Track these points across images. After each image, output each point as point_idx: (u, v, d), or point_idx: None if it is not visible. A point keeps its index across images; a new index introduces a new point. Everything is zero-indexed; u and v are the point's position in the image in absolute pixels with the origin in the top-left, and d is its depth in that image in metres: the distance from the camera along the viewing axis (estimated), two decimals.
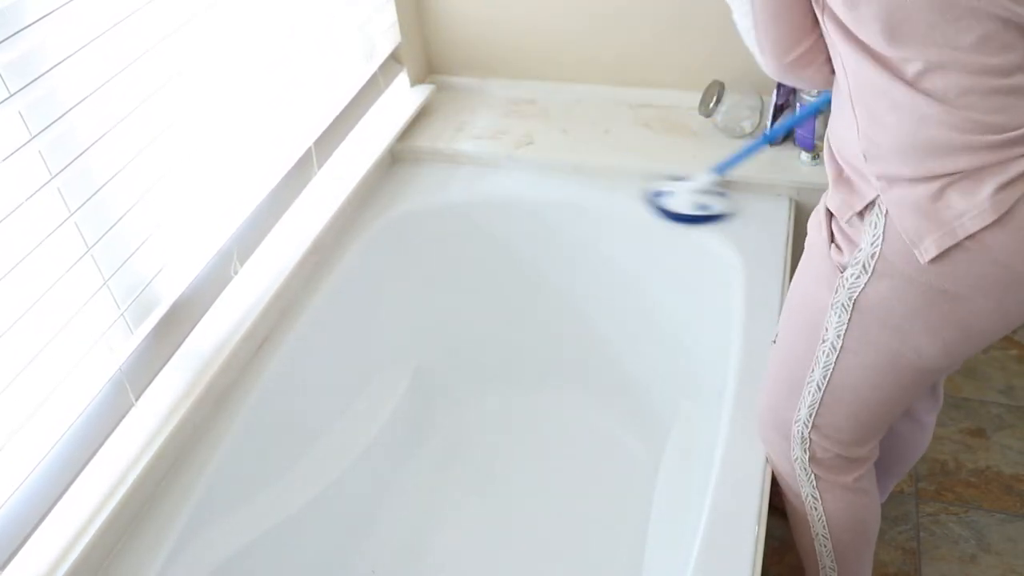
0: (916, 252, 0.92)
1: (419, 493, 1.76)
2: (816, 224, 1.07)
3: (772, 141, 1.63)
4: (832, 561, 1.29)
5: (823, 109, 1.50)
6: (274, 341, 1.44)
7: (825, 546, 1.27)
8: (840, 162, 1.01)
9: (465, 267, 1.81)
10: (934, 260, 0.92)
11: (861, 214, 0.97)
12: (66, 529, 1.09)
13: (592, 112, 1.86)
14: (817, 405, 1.12)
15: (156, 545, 1.16)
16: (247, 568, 1.32)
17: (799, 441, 1.17)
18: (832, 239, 1.03)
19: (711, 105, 1.67)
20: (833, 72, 0.99)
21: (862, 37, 0.89)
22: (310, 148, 1.57)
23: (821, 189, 1.12)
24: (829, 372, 1.08)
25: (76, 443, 1.13)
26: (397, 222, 1.71)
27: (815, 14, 0.95)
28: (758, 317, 1.40)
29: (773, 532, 1.24)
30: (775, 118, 1.63)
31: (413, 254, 1.76)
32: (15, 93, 0.97)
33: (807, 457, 1.18)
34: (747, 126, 1.70)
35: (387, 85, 1.84)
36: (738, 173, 1.60)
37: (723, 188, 1.61)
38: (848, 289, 1.00)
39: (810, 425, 1.15)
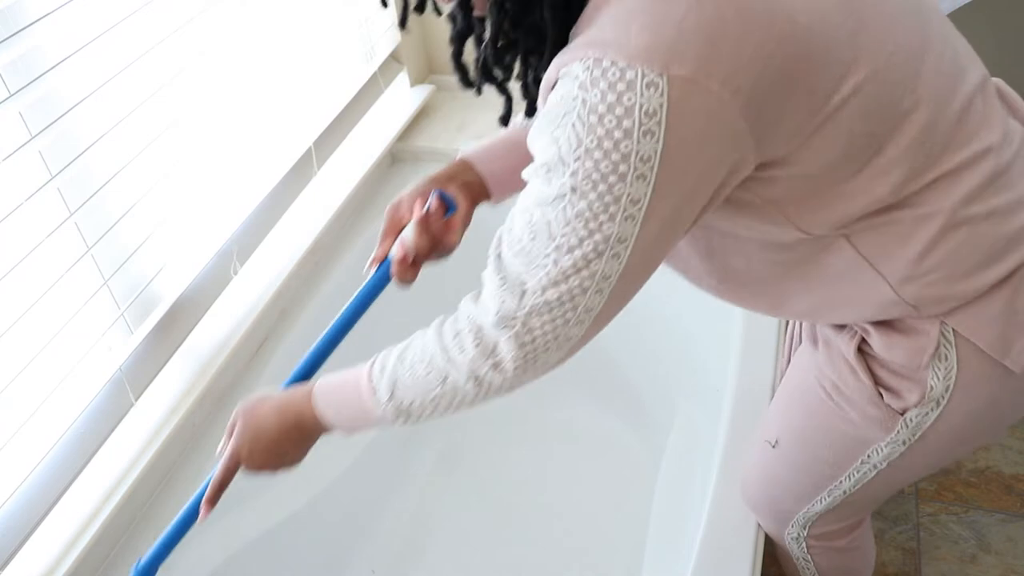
0: (1007, 363, 0.81)
1: (419, 493, 1.76)
2: (847, 370, 0.90)
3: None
4: None
5: None
6: (274, 341, 1.44)
7: None
8: (867, 326, 0.87)
9: (464, 267, 1.81)
10: None
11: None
12: (66, 529, 1.09)
13: None
14: (837, 504, 1.01)
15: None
16: (247, 568, 1.32)
17: (801, 524, 1.08)
18: (877, 382, 0.88)
19: None
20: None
21: (873, 193, 0.75)
22: (310, 148, 1.57)
23: None
24: (862, 483, 0.96)
25: (76, 443, 1.13)
26: None
27: None
28: (758, 317, 1.39)
29: None
30: None
31: None
32: (15, 93, 0.98)
33: (805, 534, 1.10)
34: None
35: (387, 85, 1.84)
36: None
37: None
38: (912, 428, 0.88)
39: (821, 515, 1.05)
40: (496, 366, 0.76)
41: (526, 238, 0.72)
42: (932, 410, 0.86)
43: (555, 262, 0.70)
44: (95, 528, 1.09)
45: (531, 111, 0.79)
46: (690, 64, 0.63)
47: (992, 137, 0.78)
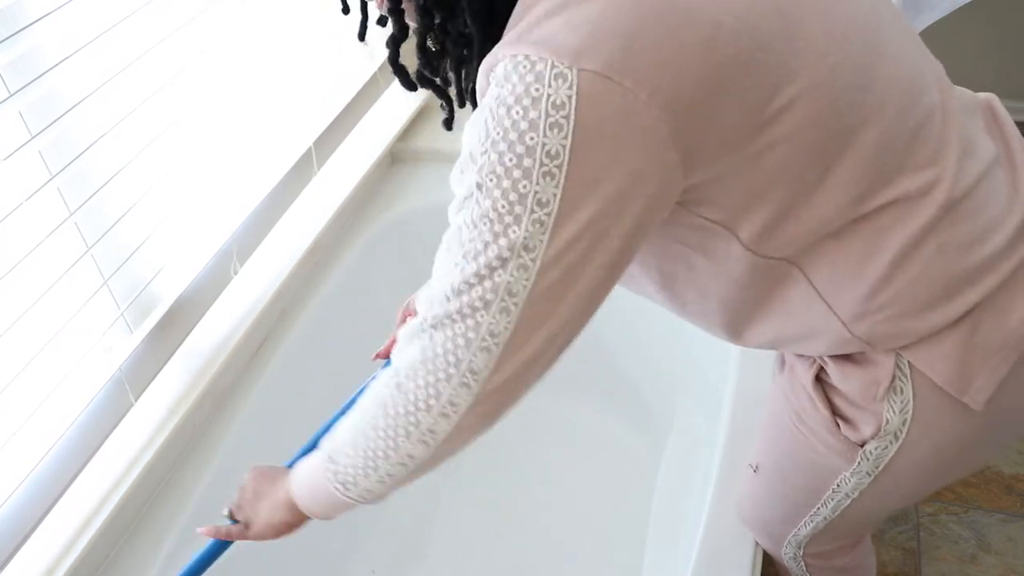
0: (966, 400, 0.78)
1: (419, 493, 1.76)
2: (807, 400, 0.87)
3: None
4: None
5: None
6: (274, 341, 1.44)
7: None
8: (825, 358, 0.84)
9: None
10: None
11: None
12: (66, 529, 1.09)
13: None
14: (822, 528, 0.99)
15: (156, 545, 1.16)
16: (247, 568, 1.32)
17: (794, 545, 1.06)
18: (835, 412, 0.86)
19: None
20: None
21: (822, 213, 0.72)
22: (310, 148, 1.57)
23: None
24: (840, 510, 0.94)
25: (76, 443, 1.13)
26: (397, 222, 1.71)
27: None
28: None
29: None
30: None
31: (413, 254, 1.75)
32: (15, 93, 0.97)
33: (801, 553, 1.08)
34: None
35: (387, 85, 1.84)
36: None
37: None
38: (874, 461, 0.85)
39: (811, 537, 1.03)
40: (409, 385, 0.72)
41: (442, 248, 0.70)
42: (891, 443, 0.83)
43: (461, 270, 0.66)
44: (95, 528, 1.09)
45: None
46: (602, 59, 0.60)
47: (949, 160, 0.74)
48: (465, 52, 0.74)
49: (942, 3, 1.53)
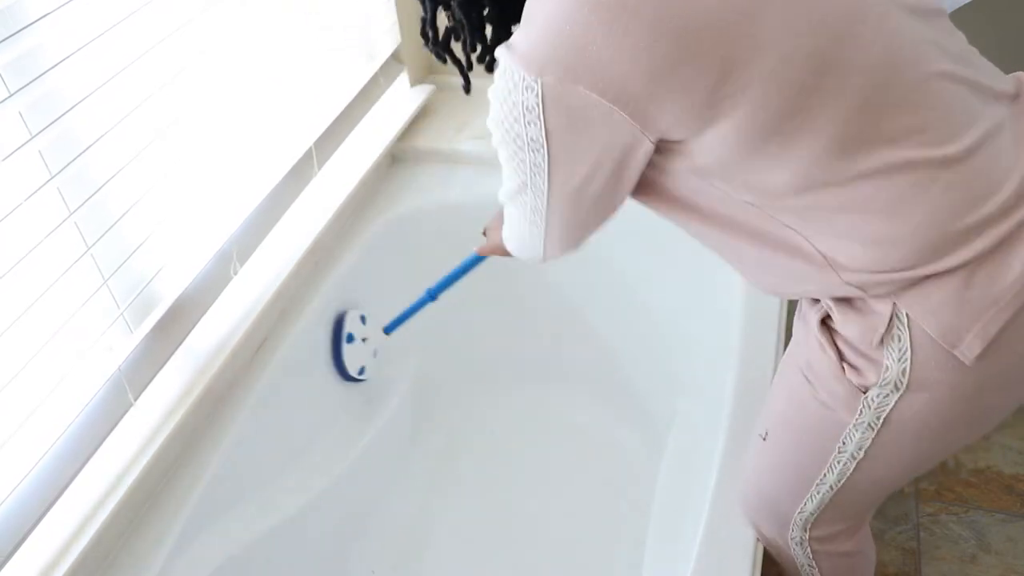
0: (957, 354, 0.81)
1: (419, 493, 1.76)
2: (816, 345, 0.92)
3: (435, 297, 1.54)
4: None
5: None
6: (274, 341, 1.44)
7: None
8: (829, 302, 0.90)
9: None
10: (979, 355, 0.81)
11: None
12: (65, 529, 1.09)
13: None
14: (828, 500, 1.02)
15: (156, 545, 1.16)
16: (247, 568, 1.32)
17: (800, 525, 1.08)
18: (842, 357, 0.90)
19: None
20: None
21: (802, 169, 0.79)
22: (310, 148, 1.57)
23: None
24: (846, 476, 0.97)
25: (74, 443, 1.13)
26: (397, 222, 1.71)
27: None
28: (758, 317, 1.40)
29: None
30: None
31: (413, 254, 1.76)
32: (15, 93, 0.98)
33: (807, 536, 1.10)
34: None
35: (388, 85, 1.84)
36: None
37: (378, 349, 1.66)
38: (875, 410, 0.89)
39: (816, 514, 1.06)
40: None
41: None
42: (891, 392, 0.87)
43: (505, 189, 0.92)
44: (94, 528, 1.09)
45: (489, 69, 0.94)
46: (559, 70, 0.75)
47: (943, 127, 0.78)
48: (484, 30, 0.93)
49: (942, 3, 1.53)
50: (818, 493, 1.02)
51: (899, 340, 0.84)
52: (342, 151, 1.69)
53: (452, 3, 0.91)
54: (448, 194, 1.74)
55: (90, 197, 1.10)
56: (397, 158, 1.84)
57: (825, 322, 0.91)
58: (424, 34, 0.98)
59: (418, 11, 0.96)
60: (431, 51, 0.99)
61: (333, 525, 1.56)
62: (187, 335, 1.31)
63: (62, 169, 1.05)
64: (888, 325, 0.84)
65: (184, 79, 1.23)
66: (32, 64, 1.00)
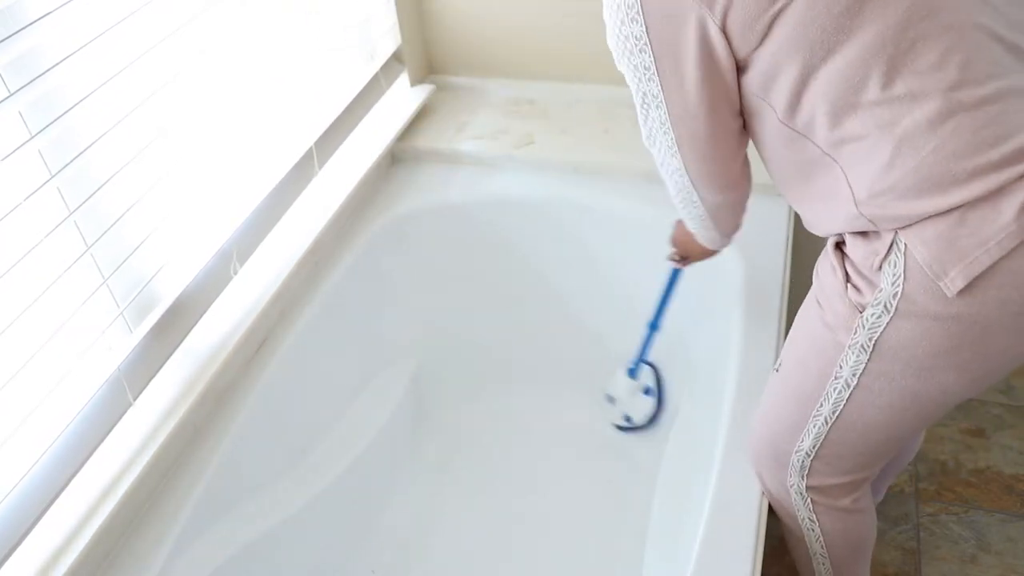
0: (941, 286, 0.88)
1: (419, 493, 1.76)
2: (829, 268, 1.02)
3: (657, 326, 1.62)
4: (829, 574, 1.27)
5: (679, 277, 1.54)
6: (274, 341, 1.44)
7: (823, 564, 1.25)
8: (844, 226, 0.99)
9: (465, 267, 1.81)
10: (961, 292, 0.87)
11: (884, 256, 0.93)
12: (64, 528, 1.09)
13: (592, 112, 1.87)
14: (823, 438, 1.08)
15: (156, 545, 1.16)
16: (247, 568, 1.32)
17: (798, 469, 1.14)
18: (848, 279, 0.98)
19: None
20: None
21: (828, 103, 0.90)
22: (311, 148, 1.57)
23: None
24: (840, 408, 1.04)
25: (74, 442, 1.13)
26: (397, 222, 1.71)
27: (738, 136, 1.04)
28: (758, 318, 1.40)
29: (773, 532, 1.24)
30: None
31: (413, 254, 1.76)
32: (15, 93, 0.98)
33: (804, 484, 1.15)
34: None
35: (388, 85, 1.84)
36: None
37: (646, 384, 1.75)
38: (868, 330, 0.96)
39: (812, 455, 1.11)
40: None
41: None
42: (883, 314, 0.94)
43: (641, 124, 1.08)
44: (93, 528, 1.09)
45: None
46: None
47: (961, 71, 0.85)
48: None
49: None
50: (814, 427, 1.08)
51: (895, 266, 0.91)
52: (342, 151, 1.69)
53: None
54: (448, 194, 1.74)
55: (90, 197, 1.10)
56: (397, 158, 1.84)
57: (839, 246, 1.01)
58: None
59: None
60: None
61: (333, 525, 1.56)
62: (187, 335, 1.31)
63: (62, 169, 1.05)
64: (888, 250, 0.92)
65: (184, 79, 1.23)
66: (32, 64, 1.00)
